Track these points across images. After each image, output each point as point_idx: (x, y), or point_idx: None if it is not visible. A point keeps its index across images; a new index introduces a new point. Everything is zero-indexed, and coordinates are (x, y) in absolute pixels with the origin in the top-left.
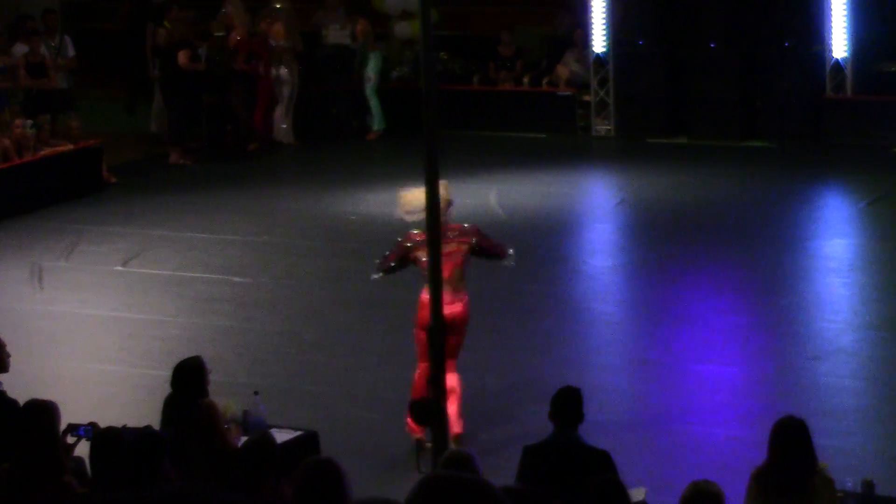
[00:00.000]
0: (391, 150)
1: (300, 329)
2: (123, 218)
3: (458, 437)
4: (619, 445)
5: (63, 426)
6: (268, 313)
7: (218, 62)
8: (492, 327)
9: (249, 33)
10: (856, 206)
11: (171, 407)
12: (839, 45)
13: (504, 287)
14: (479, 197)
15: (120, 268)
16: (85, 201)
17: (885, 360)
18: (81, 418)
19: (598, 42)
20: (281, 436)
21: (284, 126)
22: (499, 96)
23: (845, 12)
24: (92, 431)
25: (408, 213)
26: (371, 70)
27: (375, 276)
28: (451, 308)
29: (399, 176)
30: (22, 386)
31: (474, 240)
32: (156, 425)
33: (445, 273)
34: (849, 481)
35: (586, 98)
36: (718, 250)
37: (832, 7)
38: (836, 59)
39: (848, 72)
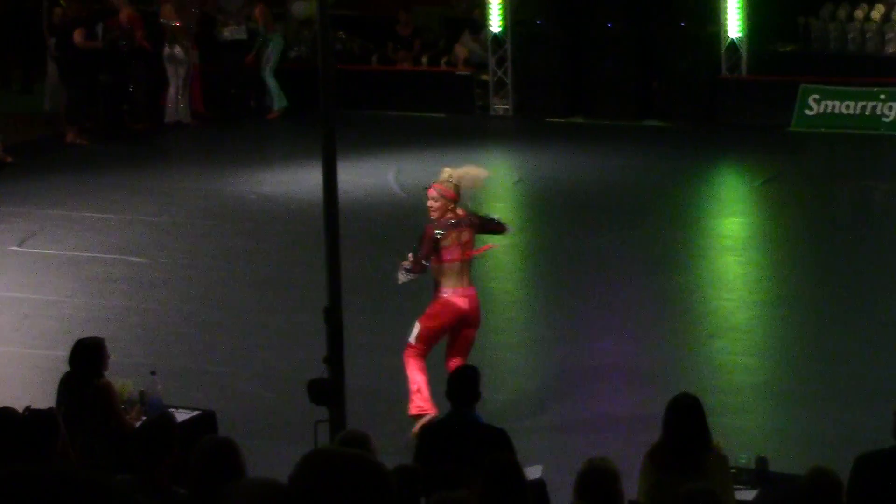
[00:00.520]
0: (289, 130)
1: (198, 309)
2: (20, 198)
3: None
4: (516, 424)
5: None
6: (165, 293)
7: (115, 41)
8: (391, 308)
9: (140, 12)
10: (750, 184)
11: (67, 385)
12: (734, 25)
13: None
14: (378, 176)
15: (16, 248)
16: None
17: (779, 336)
18: None
19: (496, 22)
20: (178, 416)
21: (181, 106)
22: (397, 76)
23: None
24: None
25: (464, 186)
26: (270, 52)
27: (405, 280)
28: (473, 302)
29: (296, 155)
30: None
31: (475, 220)
32: (52, 405)
33: (463, 261)
34: (743, 457)
35: (484, 78)
36: (615, 229)
37: None
38: (732, 40)
39: (743, 52)
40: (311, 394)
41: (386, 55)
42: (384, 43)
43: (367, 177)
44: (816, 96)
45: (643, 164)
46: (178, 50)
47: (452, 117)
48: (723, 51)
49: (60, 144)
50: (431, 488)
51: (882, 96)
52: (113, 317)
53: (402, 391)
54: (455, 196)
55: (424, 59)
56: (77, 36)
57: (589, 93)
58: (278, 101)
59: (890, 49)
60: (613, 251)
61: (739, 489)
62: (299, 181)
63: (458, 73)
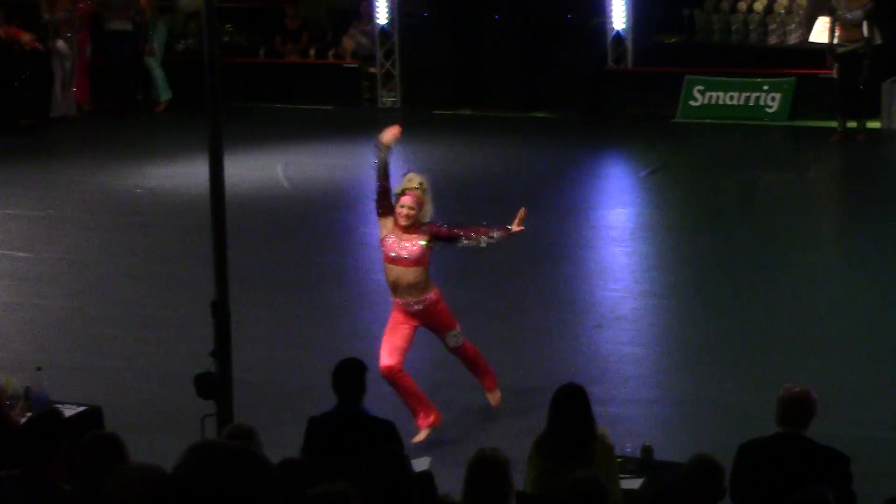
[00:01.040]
0: (176, 124)
1: (84, 303)
2: None
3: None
4: (405, 416)
5: None
6: (51, 288)
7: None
8: (280, 300)
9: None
10: (636, 175)
11: None
12: (619, 17)
13: (292, 259)
14: (266, 169)
15: None
16: None
17: (664, 326)
18: None
19: (383, 14)
20: (64, 411)
21: (67, 99)
22: (285, 69)
23: None
24: None
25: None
26: (156, 42)
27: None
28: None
29: (183, 148)
30: None
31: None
32: None
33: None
34: (628, 446)
35: (372, 70)
36: (502, 220)
37: None
38: (617, 31)
39: (628, 43)
40: (199, 388)
41: (274, 48)
42: (272, 35)
43: (255, 170)
44: (701, 87)
45: (530, 155)
46: (60, 44)
47: (340, 109)
48: (608, 42)
49: None
50: (318, 481)
51: (765, 87)
52: None
53: (290, 383)
54: (423, 204)
55: (312, 52)
56: None
57: (476, 85)
58: (164, 93)
59: (773, 40)
60: (501, 242)
61: (625, 478)
62: (187, 175)
63: (345, 65)
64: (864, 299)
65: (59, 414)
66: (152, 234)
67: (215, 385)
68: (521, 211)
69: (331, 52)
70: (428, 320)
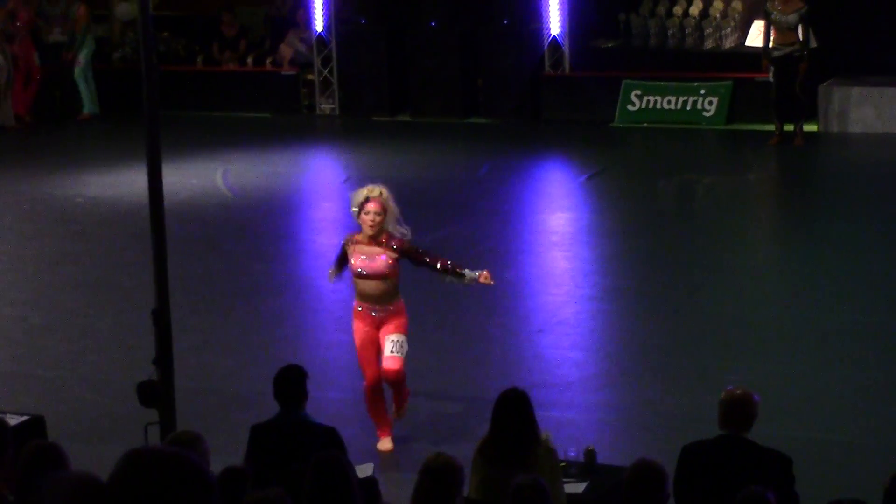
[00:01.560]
0: (115, 132)
1: (25, 313)
2: None
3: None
4: (347, 421)
5: None
6: None
7: None
8: (222, 307)
9: None
10: (576, 180)
11: None
12: (556, 22)
13: (233, 267)
14: (205, 178)
15: None
16: None
17: (605, 331)
18: None
19: (319, 21)
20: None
21: (4, 110)
22: (223, 76)
23: None
24: None
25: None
26: (81, 55)
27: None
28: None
29: (122, 157)
30: None
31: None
32: None
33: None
34: (571, 450)
35: (310, 77)
36: (442, 226)
37: None
38: (554, 37)
39: (565, 48)
40: (141, 396)
41: (211, 56)
42: (209, 43)
43: (194, 178)
44: (638, 92)
45: (469, 161)
46: None
47: (279, 117)
48: (545, 48)
49: None
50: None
51: (702, 91)
52: None
53: (233, 391)
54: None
55: (250, 60)
56: None
57: (414, 91)
58: (88, 106)
59: (709, 44)
60: (440, 248)
61: (569, 482)
62: (125, 183)
63: (283, 72)
64: (804, 301)
65: (4, 423)
66: (93, 243)
67: (157, 393)
68: (486, 272)
69: (269, 60)
70: (384, 324)
